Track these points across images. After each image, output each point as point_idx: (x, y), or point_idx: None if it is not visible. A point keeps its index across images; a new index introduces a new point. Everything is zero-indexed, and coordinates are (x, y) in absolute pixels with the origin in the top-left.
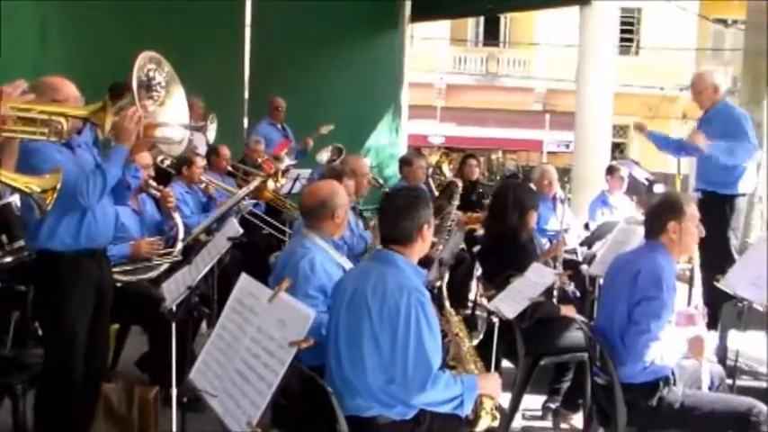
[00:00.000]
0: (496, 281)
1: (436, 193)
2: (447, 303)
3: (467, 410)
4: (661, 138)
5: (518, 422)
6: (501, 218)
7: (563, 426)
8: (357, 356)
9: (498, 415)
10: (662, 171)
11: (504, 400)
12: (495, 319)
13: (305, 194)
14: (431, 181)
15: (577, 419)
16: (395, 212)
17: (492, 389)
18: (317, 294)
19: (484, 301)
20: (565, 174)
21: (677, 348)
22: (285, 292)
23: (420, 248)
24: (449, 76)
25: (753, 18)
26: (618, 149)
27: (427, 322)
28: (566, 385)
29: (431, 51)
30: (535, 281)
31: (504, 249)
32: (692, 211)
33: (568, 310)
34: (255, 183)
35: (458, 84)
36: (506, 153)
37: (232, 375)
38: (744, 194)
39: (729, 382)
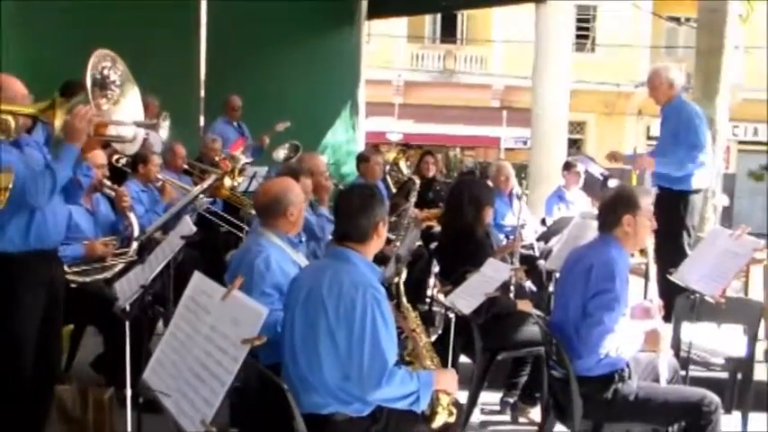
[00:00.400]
0: (453, 277)
1: (394, 190)
2: (404, 299)
3: (423, 406)
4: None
5: (476, 417)
6: (457, 214)
7: (521, 420)
8: (313, 354)
9: (455, 411)
10: (618, 167)
11: (462, 395)
12: (452, 315)
13: (259, 192)
14: (388, 178)
15: (535, 413)
16: (350, 210)
17: (448, 384)
18: (273, 292)
19: (441, 296)
20: (522, 170)
21: (633, 341)
22: (239, 290)
23: (375, 245)
24: (407, 73)
25: (704, 17)
26: (575, 146)
27: (383, 319)
28: (523, 379)
29: (388, 48)
30: (491, 276)
31: (460, 245)
32: (647, 204)
33: (524, 305)
34: (210, 180)
35: (416, 81)
36: (464, 150)
37: (186, 374)
38: (698, 191)
39: (683, 373)
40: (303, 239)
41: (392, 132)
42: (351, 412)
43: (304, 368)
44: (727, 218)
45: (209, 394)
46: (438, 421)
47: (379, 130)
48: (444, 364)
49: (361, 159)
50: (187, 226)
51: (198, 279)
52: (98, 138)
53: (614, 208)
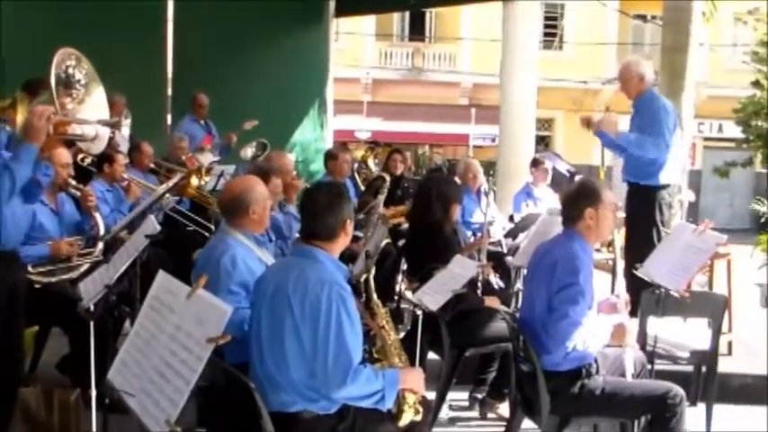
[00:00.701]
0: (420, 274)
1: (362, 188)
2: (374, 296)
3: (388, 405)
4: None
5: (445, 413)
6: (425, 211)
7: (490, 415)
8: (279, 352)
9: (421, 409)
10: (586, 163)
11: (432, 392)
12: (419, 312)
13: (222, 191)
14: (357, 176)
15: (504, 408)
16: (317, 209)
17: (414, 383)
18: (240, 290)
19: (408, 294)
20: (490, 167)
21: (600, 335)
22: (204, 289)
23: (342, 243)
24: (375, 71)
25: (669, 15)
26: (543, 142)
27: (348, 317)
28: (492, 375)
29: (357, 46)
30: (458, 273)
31: (427, 242)
32: (609, 197)
33: (492, 302)
34: (176, 179)
35: (384, 79)
36: (433, 147)
37: (150, 374)
38: (666, 186)
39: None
40: (273, 238)
41: (361, 130)
42: (318, 410)
43: (271, 366)
44: (693, 213)
45: (173, 393)
46: (404, 420)
47: (347, 128)
48: (412, 362)
49: (329, 157)
50: (151, 225)
51: (162, 278)
52: (58, 136)
53: (576, 202)
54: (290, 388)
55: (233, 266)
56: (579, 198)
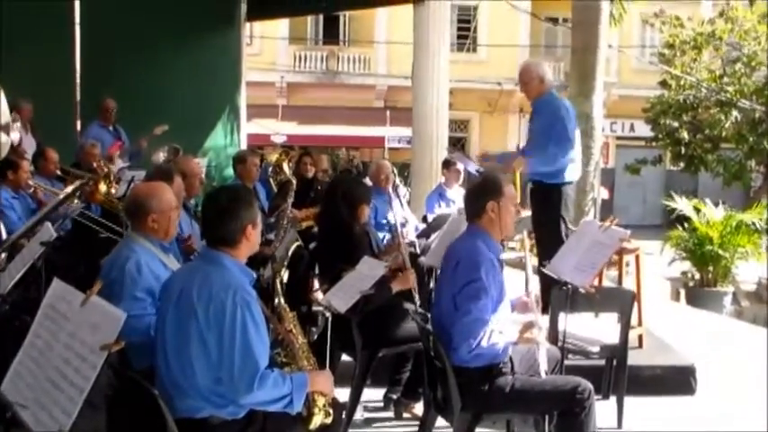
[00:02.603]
0: (330, 275)
1: (275, 191)
2: (281, 300)
3: (297, 408)
4: (500, 156)
5: (360, 414)
6: (333, 212)
7: (405, 415)
8: (185, 357)
9: (332, 411)
10: (491, 166)
11: (346, 393)
12: (328, 314)
13: (127, 197)
14: (271, 180)
15: (419, 408)
16: (217, 213)
17: (323, 386)
18: (145, 296)
19: (318, 295)
20: (405, 168)
21: (507, 332)
22: (107, 296)
23: (246, 248)
24: (289, 74)
25: (578, 16)
26: (459, 143)
27: (253, 321)
28: (406, 375)
29: (271, 50)
30: (366, 274)
31: (336, 244)
32: (510, 191)
33: (403, 281)
34: (74, 185)
35: (299, 82)
36: (349, 150)
37: (44, 384)
38: (570, 182)
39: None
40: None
41: (276, 134)
42: (225, 415)
43: (176, 372)
44: (608, 210)
45: (67, 403)
46: (315, 422)
47: (263, 132)
48: (324, 364)
49: (238, 161)
50: (47, 232)
51: (57, 286)
52: None
53: (478, 196)
54: (196, 394)
55: (138, 272)
56: (481, 192)
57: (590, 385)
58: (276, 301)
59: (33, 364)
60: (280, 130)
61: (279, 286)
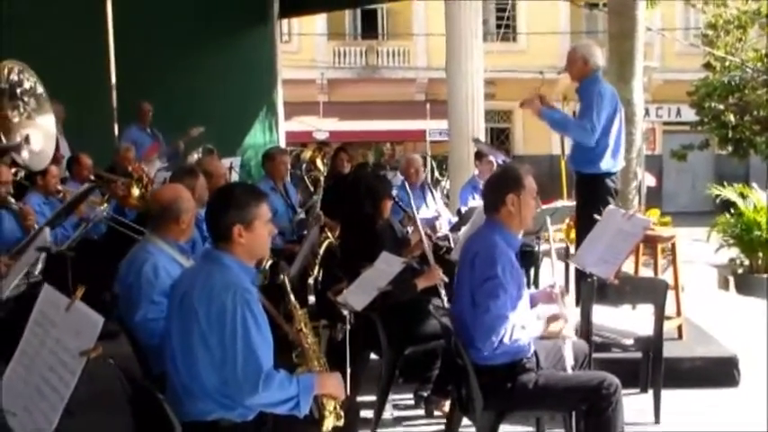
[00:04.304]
0: (351, 273)
1: (312, 189)
2: (291, 297)
3: (304, 411)
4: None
5: (390, 413)
6: (355, 208)
7: (436, 413)
8: (191, 360)
9: (343, 414)
10: (547, 153)
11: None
12: (346, 313)
13: (150, 198)
14: (306, 177)
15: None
16: (210, 210)
17: (332, 388)
18: (162, 300)
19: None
20: (445, 161)
21: (532, 327)
22: (122, 299)
23: (242, 249)
24: (329, 71)
25: (614, 1)
26: (503, 134)
27: (255, 321)
28: (436, 372)
29: (310, 47)
30: (383, 269)
31: (359, 240)
32: (531, 183)
33: (429, 278)
34: (83, 189)
35: (339, 78)
36: (394, 145)
37: (31, 391)
38: (610, 173)
39: (598, 355)
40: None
41: (318, 131)
42: (235, 417)
43: (184, 375)
44: (656, 198)
45: (49, 411)
46: (327, 425)
47: (305, 130)
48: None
49: (267, 158)
50: (43, 238)
51: (47, 291)
52: None
53: (498, 188)
54: (205, 396)
55: (155, 276)
56: (501, 184)
57: (616, 380)
58: (287, 299)
59: (24, 371)
60: (321, 126)
61: (287, 285)
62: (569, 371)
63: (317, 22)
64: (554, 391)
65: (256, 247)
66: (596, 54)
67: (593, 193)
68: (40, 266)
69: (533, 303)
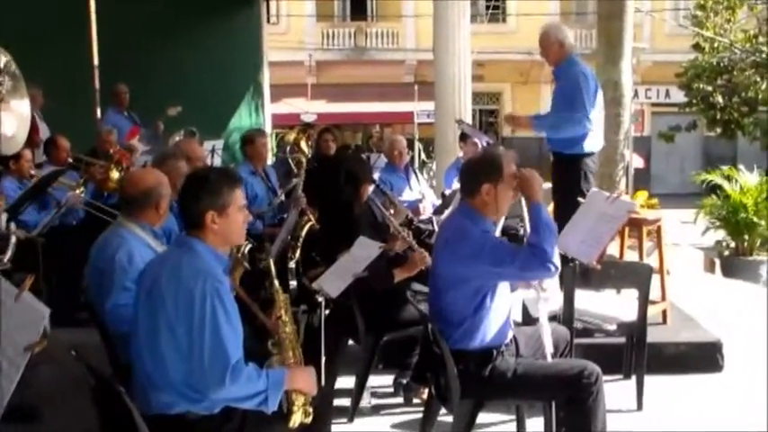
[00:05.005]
0: (328, 258)
1: (295, 171)
2: (275, 282)
3: (272, 407)
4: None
5: (368, 401)
6: (334, 192)
7: (415, 401)
8: (156, 350)
9: (311, 410)
10: (536, 136)
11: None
12: (321, 299)
13: (128, 181)
14: (290, 159)
15: None
16: (182, 196)
17: (303, 384)
18: (135, 286)
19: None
20: (432, 143)
21: (502, 312)
22: (100, 287)
23: (216, 236)
24: (318, 52)
25: None
26: (491, 116)
27: (224, 311)
28: (416, 359)
29: (299, 29)
30: (360, 255)
31: (337, 224)
32: (510, 171)
33: (406, 269)
34: (51, 171)
35: (328, 60)
36: (383, 127)
37: None
38: (591, 153)
39: (581, 340)
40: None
41: (306, 113)
42: (201, 410)
43: (149, 366)
44: (644, 180)
45: None
46: (294, 421)
47: (293, 112)
48: (319, 351)
49: (246, 141)
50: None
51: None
52: None
53: (475, 174)
54: (170, 389)
55: (129, 262)
56: (478, 171)
57: (597, 368)
58: (270, 283)
59: None
60: (310, 109)
61: (272, 268)
62: (549, 359)
63: (306, 4)
64: (533, 380)
65: (231, 234)
66: (569, 34)
67: (574, 175)
68: (9, 253)
69: (513, 288)
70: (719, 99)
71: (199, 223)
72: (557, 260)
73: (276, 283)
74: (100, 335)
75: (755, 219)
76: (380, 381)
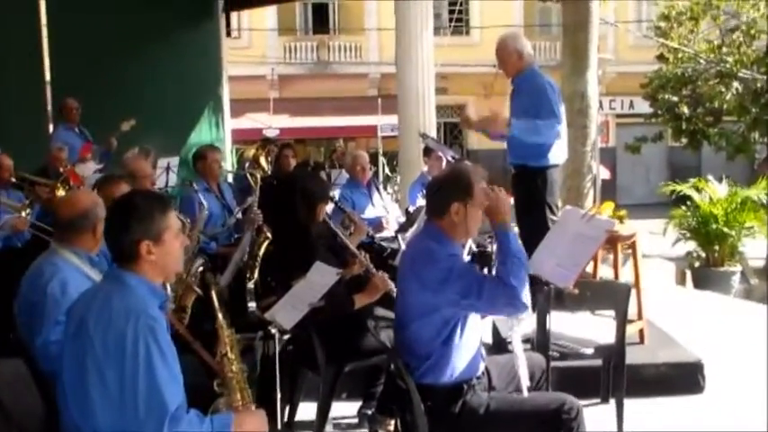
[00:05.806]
0: (283, 285)
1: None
2: (220, 316)
3: None
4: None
5: None
6: (288, 212)
7: None
8: (83, 397)
9: None
10: (501, 148)
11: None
12: (274, 331)
13: (61, 204)
14: (249, 176)
15: None
16: (109, 226)
17: (252, 427)
18: None
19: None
20: (396, 157)
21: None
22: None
23: (152, 268)
24: (280, 66)
25: None
26: (456, 129)
27: (160, 352)
28: (380, 389)
29: (261, 43)
30: (316, 282)
31: (292, 247)
32: (481, 190)
33: (367, 295)
34: None
35: (290, 74)
36: (347, 141)
37: None
38: (555, 165)
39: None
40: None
41: (269, 128)
42: None
43: (75, 415)
44: (611, 191)
45: None
46: None
47: (255, 127)
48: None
49: (198, 157)
50: None
51: None
52: None
53: (444, 193)
54: None
55: (62, 293)
56: (447, 189)
57: (577, 402)
58: (213, 317)
59: None
60: (273, 123)
61: (217, 300)
62: (525, 392)
63: (268, 17)
64: (507, 417)
65: (169, 263)
66: (527, 44)
67: (539, 188)
68: None
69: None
70: (685, 109)
71: (132, 256)
72: (526, 297)
73: (220, 316)
74: (32, 376)
75: (726, 229)
76: (344, 410)
